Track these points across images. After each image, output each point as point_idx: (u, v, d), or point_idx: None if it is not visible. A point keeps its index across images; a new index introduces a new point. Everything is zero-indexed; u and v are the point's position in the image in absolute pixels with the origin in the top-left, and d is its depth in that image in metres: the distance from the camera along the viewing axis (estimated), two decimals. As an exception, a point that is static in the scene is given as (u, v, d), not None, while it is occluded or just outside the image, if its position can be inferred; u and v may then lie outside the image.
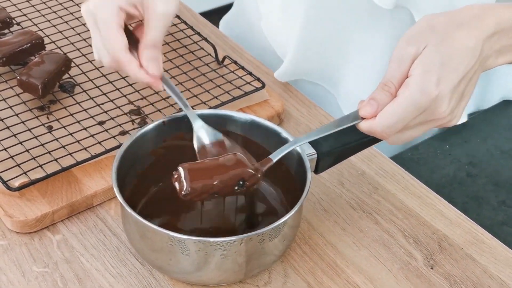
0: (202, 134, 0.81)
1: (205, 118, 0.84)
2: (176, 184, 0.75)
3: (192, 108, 0.95)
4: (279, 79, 1.05)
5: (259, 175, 0.76)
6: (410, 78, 0.71)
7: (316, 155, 0.80)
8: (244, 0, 1.19)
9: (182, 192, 0.74)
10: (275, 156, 0.78)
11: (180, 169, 0.75)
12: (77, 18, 1.10)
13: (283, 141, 0.81)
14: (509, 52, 0.77)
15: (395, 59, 0.73)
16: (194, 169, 0.76)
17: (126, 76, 0.99)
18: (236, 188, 0.76)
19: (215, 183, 0.75)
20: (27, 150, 0.88)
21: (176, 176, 0.75)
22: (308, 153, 0.80)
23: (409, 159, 1.02)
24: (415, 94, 0.70)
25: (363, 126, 0.74)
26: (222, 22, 1.26)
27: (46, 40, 1.04)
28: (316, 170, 0.82)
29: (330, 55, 1.06)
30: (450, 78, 0.71)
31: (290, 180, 0.82)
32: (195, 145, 0.81)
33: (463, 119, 1.06)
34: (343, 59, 1.06)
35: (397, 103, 0.71)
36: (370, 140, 0.83)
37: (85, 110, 0.94)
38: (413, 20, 0.97)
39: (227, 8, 1.28)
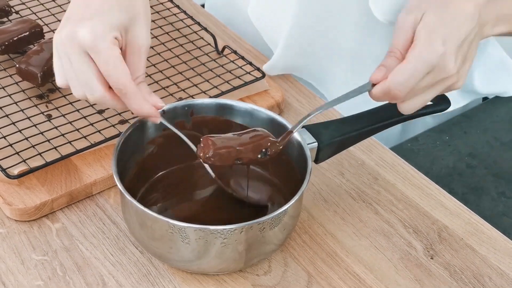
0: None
1: (205, 108, 0.84)
2: (201, 153, 0.76)
3: (192, 97, 0.95)
4: (267, 73, 1.02)
5: (280, 145, 0.78)
6: (416, 41, 0.73)
7: (316, 144, 0.80)
8: None
9: (207, 155, 0.76)
10: (294, 128, 0.79)
11: (204, 138, 0.77)
12: (76, 7, 1.10)
13: (284, 131, 0.81)
14: (503, 23, 0.80)
15: (398, 29, 0.75)
16: (218, 138, 0.77)
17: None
18: (259, 156, 0.77)
19: (238, 148, 0.76)
20: (26, 138, 0.87)
21: (202, 145, 0.76)
22: (309, 143, 0.80)
23: (409, 150, 1.02)
24: (423, 52, 0.73)
25: (376, 90, 0.75)
26: (207, 5, 1.23)
27: (45, 29, 1.04)
28: (316, 160, 0.82)
29: (319, 55, 1.05)
30: (454, 37, 0.74)
31: (290, 169, 0.82)
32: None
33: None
34: (332, 62, 1.05)
35: (407, 61, 0.73)
36: (370, 130, 0.83)
37: (84, 98, 0.94)
38: None
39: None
